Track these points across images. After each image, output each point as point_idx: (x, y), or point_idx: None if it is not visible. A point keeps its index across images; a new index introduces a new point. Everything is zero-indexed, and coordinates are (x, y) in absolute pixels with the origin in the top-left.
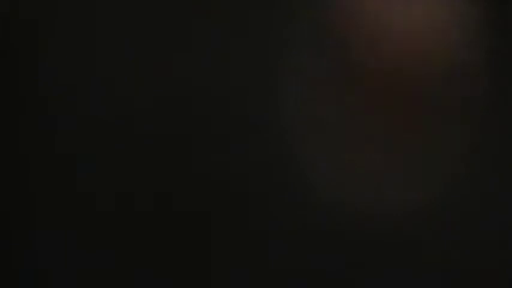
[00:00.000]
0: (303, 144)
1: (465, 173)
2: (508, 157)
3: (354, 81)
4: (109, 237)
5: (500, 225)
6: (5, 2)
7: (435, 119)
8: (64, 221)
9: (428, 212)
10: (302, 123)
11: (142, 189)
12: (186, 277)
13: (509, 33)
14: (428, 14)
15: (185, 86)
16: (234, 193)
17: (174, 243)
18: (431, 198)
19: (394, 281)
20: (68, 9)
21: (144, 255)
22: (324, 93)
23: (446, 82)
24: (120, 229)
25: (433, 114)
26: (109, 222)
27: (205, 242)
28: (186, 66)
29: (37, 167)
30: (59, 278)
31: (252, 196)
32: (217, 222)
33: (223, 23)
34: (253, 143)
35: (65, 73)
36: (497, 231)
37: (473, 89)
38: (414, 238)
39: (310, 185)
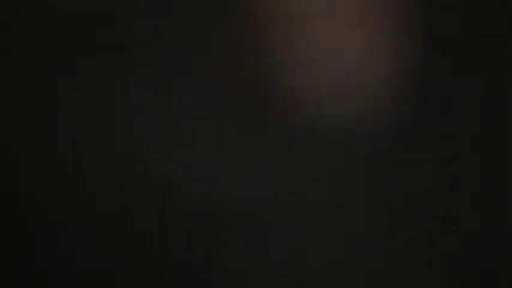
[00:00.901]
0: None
1: (465, 173)
2: (508, 157)
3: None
4: (109, 237)
5: (500, 225)
6: (6, 2)
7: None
8: (64, 221)
9: (427, 212)
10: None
11: (142, 188)
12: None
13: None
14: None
15: None
16: None
17: (174, 242)
18: (431, 198)
19: (394, 281)
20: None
21: (144, 255)
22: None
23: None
24: (121, 229)
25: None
26: (109, 222)
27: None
28: None
29: (37, 166)
30: (59, 278)
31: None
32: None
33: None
34: None
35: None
36: (497, 231)
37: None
38: (414, 238)
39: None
